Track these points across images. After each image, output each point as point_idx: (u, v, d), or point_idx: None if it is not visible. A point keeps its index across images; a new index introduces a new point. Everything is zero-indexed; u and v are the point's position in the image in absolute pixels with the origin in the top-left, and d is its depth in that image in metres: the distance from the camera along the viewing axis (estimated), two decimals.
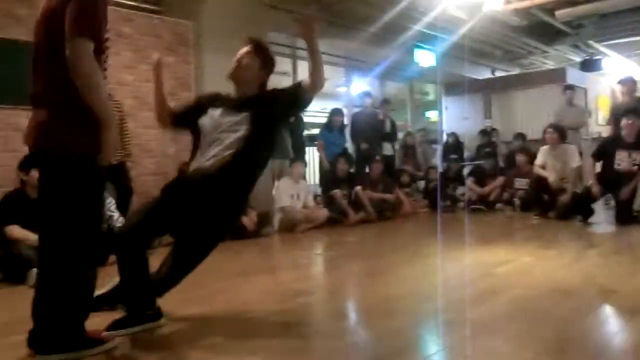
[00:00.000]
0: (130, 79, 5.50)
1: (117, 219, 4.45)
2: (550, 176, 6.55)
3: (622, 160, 5.83)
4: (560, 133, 6.76)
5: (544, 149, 6.81)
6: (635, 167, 5.75)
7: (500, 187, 7.84)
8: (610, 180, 5.89)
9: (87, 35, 1.94)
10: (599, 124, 10.82)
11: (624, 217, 5.74)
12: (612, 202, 6.39)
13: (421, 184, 8.56)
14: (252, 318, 2.67)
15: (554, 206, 6.51)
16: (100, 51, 2.04)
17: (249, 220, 5.64)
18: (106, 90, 2.07)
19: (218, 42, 6.14)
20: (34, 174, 3.16)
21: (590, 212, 6.04)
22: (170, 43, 5.97)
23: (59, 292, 2.07)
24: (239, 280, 3.67)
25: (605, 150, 6.11)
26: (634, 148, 5.79)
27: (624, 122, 5.89)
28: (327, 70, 9.48)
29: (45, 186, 2.12)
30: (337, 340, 2.35)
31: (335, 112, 7.57)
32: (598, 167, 6.19)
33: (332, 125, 7.45)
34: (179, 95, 6.00)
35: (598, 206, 6.42)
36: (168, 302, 2.57)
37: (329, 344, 2.33)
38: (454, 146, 9.53)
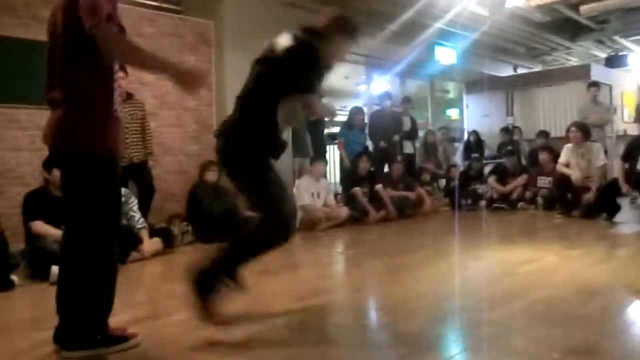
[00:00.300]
0: (152, 78, 5.54)
1: (138, 220, 4.49)
2: (574, 174, 6.44)
3: None
4: (584, 131, 6.64)
5: (567, 147, 6.70)
6: None
7: (523, 185, 7.74)
8: (636, 180, 5.78)
9: (107, 21, 1.97)
10: (624, 122, 10.60)
11: None
12: (639, 201, 6.26)
13: (442, 182, 8.50)
14: (273, 316, 2.67)
15: (577, 204, 6.40)
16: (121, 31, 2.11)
17: None
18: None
19: (238, 42, 6.17)
20: (56, 172, 3.21)
21: (615, 210, 5.93)
22: (191, 43, 6.01)
23: (79, 288, 2.10)
24: (260, 278, 3.65)
25: (631, 150, 6.00)
26: None
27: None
28: (348, 69, 9.44)
29: (66, 185, 2.17)
30: (357, 339, 2.34)
31: (356, 111, 7.56)
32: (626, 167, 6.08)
33: (353, 124, 7.44)
34: (201, 94, 6.05)
35: (624, 204, 6.30)
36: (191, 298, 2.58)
37: (350, 343, 2.32)
38: (475, 144, 9.44)
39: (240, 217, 5.57)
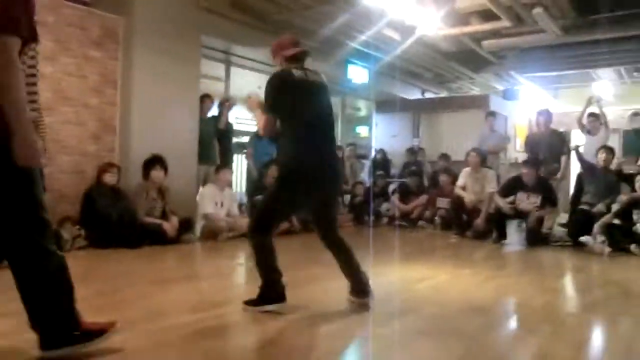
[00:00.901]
0: (50, 70, 5.21)
1: None
2: (468, 197, 6.85)
3: (522, 200, 6.36)
4: (482, 157, 7.12)
5: (465, 171, 7.11)
6: (535, 208, 6.25)
7: (423, 205, 8.08)
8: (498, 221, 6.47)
9: (9, 32, 1.82)
10: (517, 150, 11.42)
11: (533, 239, 6.15)
12: (524, 224, 6.76)
13: (346, 198, 8.66)
14: (164, 328, 2.57)
15: (471, 226, 6.79)
16: (32, 40, 1.96)
17: (169, 225, 5.48)
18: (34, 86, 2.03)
19: (149, 41, 5.96)
20: None
21: (503, 233, 6.38)
22: (97, 37, 5.72)
23: (33, 289, 2.03)
24: (156, 288, 3.54)
25: (509, 189, 6.59)
26: (532, 191, 6.31)
27: (523, 170, 6.49)
28: (262, 79, 9.46)
29: None
30: (247, 355, 2.31)
31: None
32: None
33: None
34: (104, 91, 5.77)
35: (510, 227, 6.79)
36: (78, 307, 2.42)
37: (238, 357, 2.28)
38: (382, 162, 9.74)
39: (138, 222, 5.35)
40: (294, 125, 2.87)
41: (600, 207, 6.10)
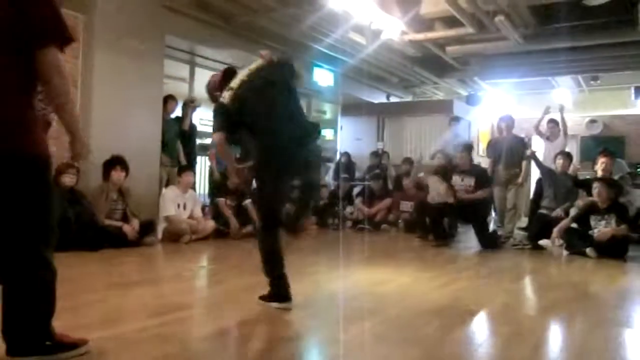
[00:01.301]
0: None
1: None
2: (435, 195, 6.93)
3: (457, 183, 6.61)
4: (449, 159, 7.32)
5: (433, 179, 7.20)
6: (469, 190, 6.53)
7: (387, 208, 8.15)
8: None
9: (58, 42, 1.91)
10: (479, 155, 11.63)
11: (486, 241, 6.36)
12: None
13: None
14: (123, 333, 2.51)
15: (434, 229, 6.89)
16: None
17: (130, 227, 5.38)
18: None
19: (112, 40, 5.84)
20: None
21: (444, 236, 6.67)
22: None
23: (19, 295, 2.01)
24: (116, 292, 3.47)
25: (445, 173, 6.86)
26: (466, 174, 6.58)
27: (457, 154, 6.84)
28: None
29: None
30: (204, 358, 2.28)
31: None
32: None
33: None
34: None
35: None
36: None
37: None
38: (346, 166, 9.79)
39: (98, 224, 5.24)
40: (253, 132, 3.08)
41: (558, 211, 6.29)
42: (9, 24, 1.87)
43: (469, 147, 6.99)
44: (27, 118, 1.97)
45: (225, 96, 3.05)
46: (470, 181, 6.53)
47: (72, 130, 2.05)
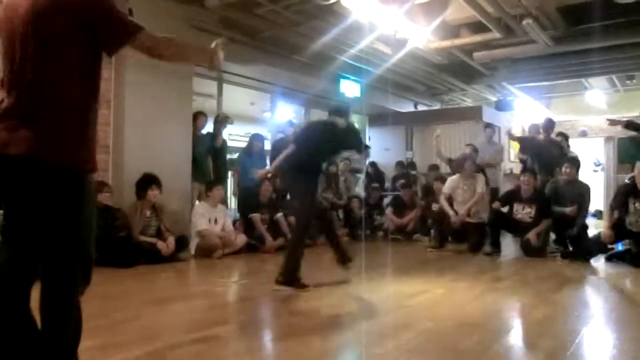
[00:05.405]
0: None
1: None
2: (453, 217, 6.79)
3: (519, 211, 6.43)
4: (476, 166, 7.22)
5: (452, 179, 7.11)
6: (530, 219, 6.31)
7: (418, 217, 8.05)
8: (510, 225, 6.56)
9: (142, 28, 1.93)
10: (511, 161, 11.44)
11: (528, 249, 6.16)
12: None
13: (341, 212, 8.62)
14: (160, 349, 2.53)
15: (466, 238, 6.79)
16: None
17: (164, 244, 5.45)
18: None
19: (142, 59, 5.93)
20: None
21: (498, 245, 6.45)
22: None
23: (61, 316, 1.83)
24: (151, 308, 3.51)
25: (507, 199, 6.65)
26: (528, 202, 6.36)
27: (522, 178, 6.54)
28: (254, 96, 9.42)
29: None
30: None
31: (256, 137, 7.49)
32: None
33: (252, 150, 7.36)
34: (98, 112, 5.74)
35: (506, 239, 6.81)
36: None
37: None
38: (376, 175, 9.73)
39: (133, 241, 5.32)
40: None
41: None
42: (79, 38, 1.84)
43: (532, 171, 6.74)
44: (88, 132, 1.85)
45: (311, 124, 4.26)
46: (531, 211, 6.34)
47: (198, 57, 2.23)
